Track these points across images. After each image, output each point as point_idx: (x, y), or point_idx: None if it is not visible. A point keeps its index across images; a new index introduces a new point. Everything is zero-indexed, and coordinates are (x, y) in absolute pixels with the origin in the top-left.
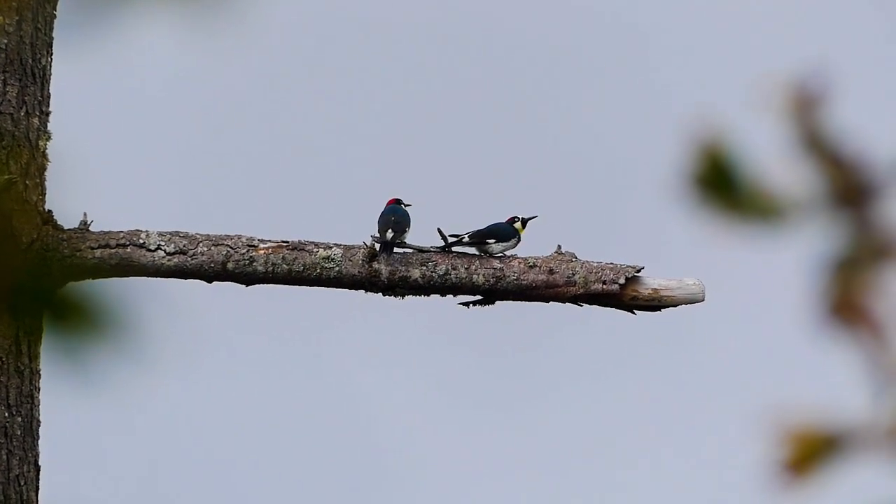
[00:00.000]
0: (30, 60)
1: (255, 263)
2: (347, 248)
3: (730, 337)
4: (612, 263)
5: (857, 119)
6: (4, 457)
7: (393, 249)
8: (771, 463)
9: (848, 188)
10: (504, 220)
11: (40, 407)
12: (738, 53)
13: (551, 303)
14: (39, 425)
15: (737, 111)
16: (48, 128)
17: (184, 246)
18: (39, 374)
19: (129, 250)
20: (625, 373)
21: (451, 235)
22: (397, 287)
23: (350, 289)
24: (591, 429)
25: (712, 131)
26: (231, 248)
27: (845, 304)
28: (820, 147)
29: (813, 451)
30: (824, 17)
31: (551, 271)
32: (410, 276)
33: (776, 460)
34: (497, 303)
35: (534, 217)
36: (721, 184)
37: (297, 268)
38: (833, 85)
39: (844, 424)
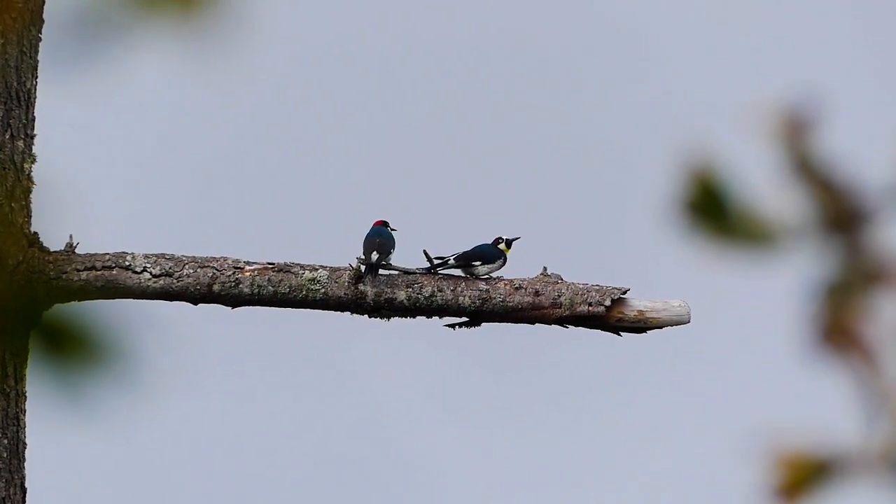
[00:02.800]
0: (14, 83)
1: (240, 285)
2: (333, 269)
3: (721, 360)
4: (597, 285)
5: (848, 144)
6: None
7: (378, 271)
8: (762, 487)
9: (839, 213)
10: (489, 242)
11: (26, 429)
12: (729, 78)
13: (538, 324)
14: (25, 447)
15: (728, 135)
16: (33, 150)
17: (170, 268)
18: (25, 397)
19: (115, 272)
20: (611, 395)
21: (437, 258)
22: (383, 309)
23: (336, 311)
24: (577, 451)
25: (703, 155)
26: (217, 269)
27: (837, 329)
28: (811, 172)
29: (805, 476)
30: (815, 42)
31: (537, 293)
32: (396, 298)
33: (768, 485)
34: (483, 324)
35: (517, 238)
36: (712, 208)
37: (282, 290)
38: (824, 110)
39: (836, 449)
